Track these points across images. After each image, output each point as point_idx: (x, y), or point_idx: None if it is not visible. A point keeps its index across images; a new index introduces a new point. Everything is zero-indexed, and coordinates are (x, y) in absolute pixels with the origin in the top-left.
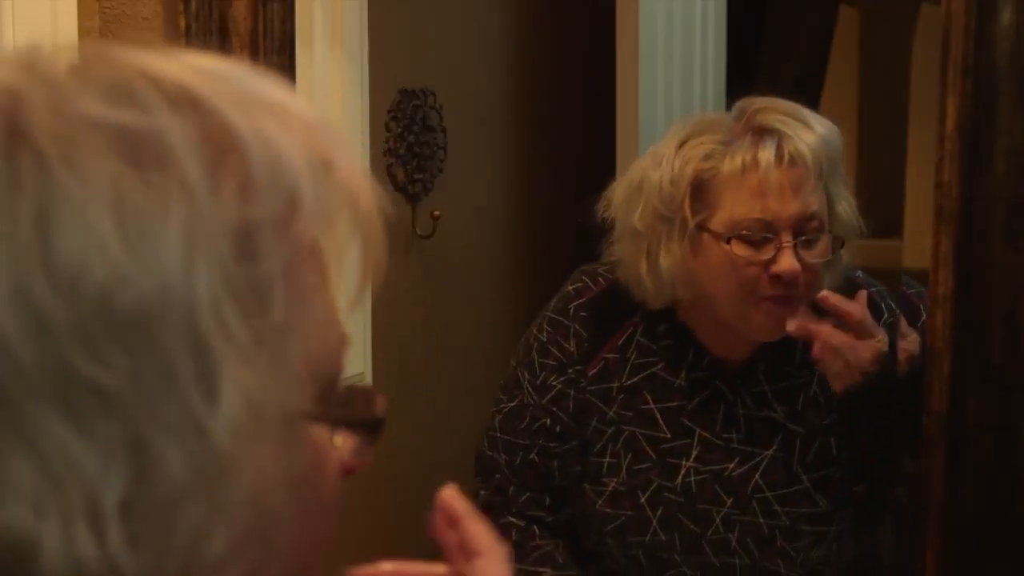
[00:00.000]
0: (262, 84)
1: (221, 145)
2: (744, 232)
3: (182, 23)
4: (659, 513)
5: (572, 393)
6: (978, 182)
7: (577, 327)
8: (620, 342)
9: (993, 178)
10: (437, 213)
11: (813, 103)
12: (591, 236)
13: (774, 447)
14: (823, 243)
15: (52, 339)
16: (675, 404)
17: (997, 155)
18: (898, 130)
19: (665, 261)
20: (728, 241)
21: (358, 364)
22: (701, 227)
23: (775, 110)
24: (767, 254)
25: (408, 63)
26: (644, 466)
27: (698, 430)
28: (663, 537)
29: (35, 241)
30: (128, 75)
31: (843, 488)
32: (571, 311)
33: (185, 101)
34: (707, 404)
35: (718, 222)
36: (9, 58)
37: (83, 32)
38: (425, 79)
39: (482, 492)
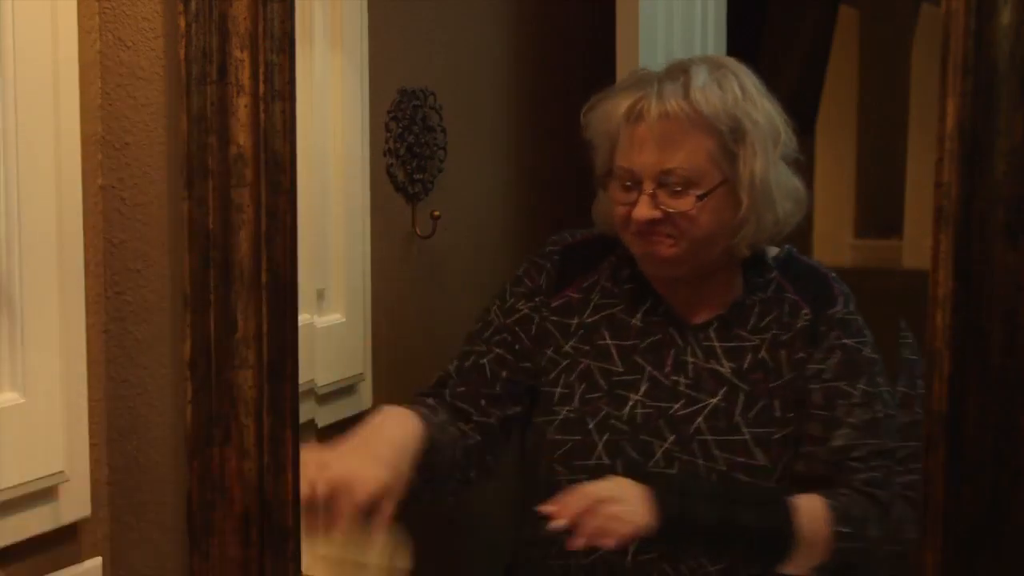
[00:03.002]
0: None
1: None
2: (617, 179)
3: (182, 23)
4: (604, 439)
5: (536, 319)
6: (978, 182)
7: (549, 266)
8: (585, 284)
9: (993, 178)
10: (437, 213)
11: (813, 103)
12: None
13: (719, 397)
14: (690, 197)
15: None
16: (629, 342)
17: (997, 155)
18: (898, 130)
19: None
20: (606, 186)
21: (357, 364)
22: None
23: (679, 68)
24: (634, 198)
25: (408, 63)
26: (595, 395)
27: (648, 368)
28: (607, 461)
29: None
30: None
31: (783, 449)
32: (547, 253)
33: None
34: (659, 346)
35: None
36: None
37: (83, 32)
38: (425, 79)
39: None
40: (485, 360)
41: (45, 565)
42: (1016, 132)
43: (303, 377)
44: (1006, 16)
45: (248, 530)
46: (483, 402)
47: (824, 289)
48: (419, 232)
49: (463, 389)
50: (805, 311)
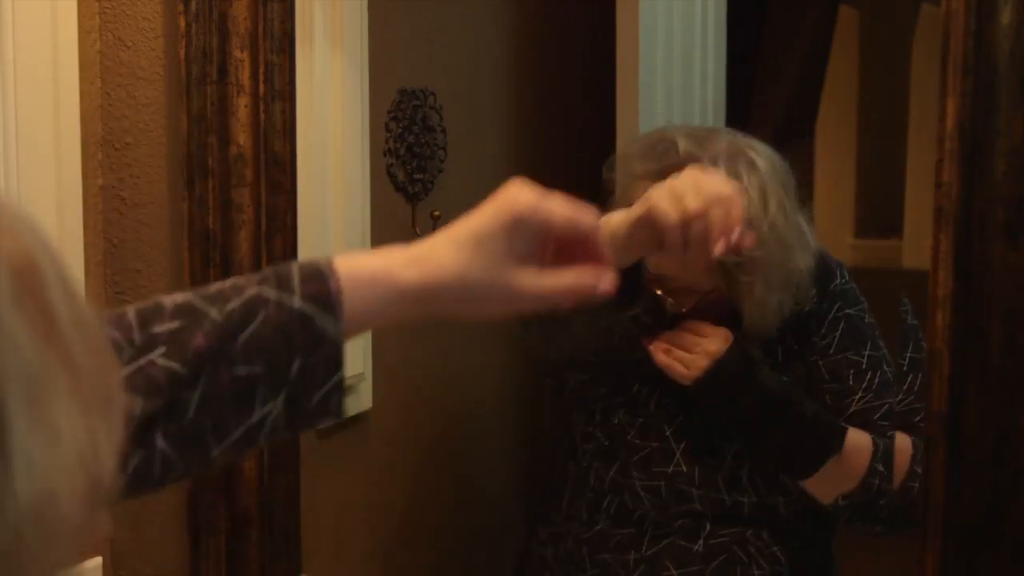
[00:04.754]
0: None
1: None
2: None
3: (182, 23)
4: (682, 446)
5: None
6: (978, 182)
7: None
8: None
9: (993, 178)
10: (437, 213)
11: (813, 103)
12: None
13: None
14: (679, 301)
15: None
16: None
17: (997, 155)
18: (898, 130)
19: None
20: None
21: (358, 364)
22: None
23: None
24: None
25: (408, 63)
26: (669, 401)
27: None
28: (684, 469)
29: None
30: None
31: None
32: None
33: None
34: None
35: None
36: None
37: (83, 32)
38: (425, 79)
39: None
40: None
41: None
42: (1016, 132)
43: None
44: (1006, 16)
45: (248, 530)
46: None
47: (820, 264)
48: (419, 232)
49: None
50: (812, 292)
